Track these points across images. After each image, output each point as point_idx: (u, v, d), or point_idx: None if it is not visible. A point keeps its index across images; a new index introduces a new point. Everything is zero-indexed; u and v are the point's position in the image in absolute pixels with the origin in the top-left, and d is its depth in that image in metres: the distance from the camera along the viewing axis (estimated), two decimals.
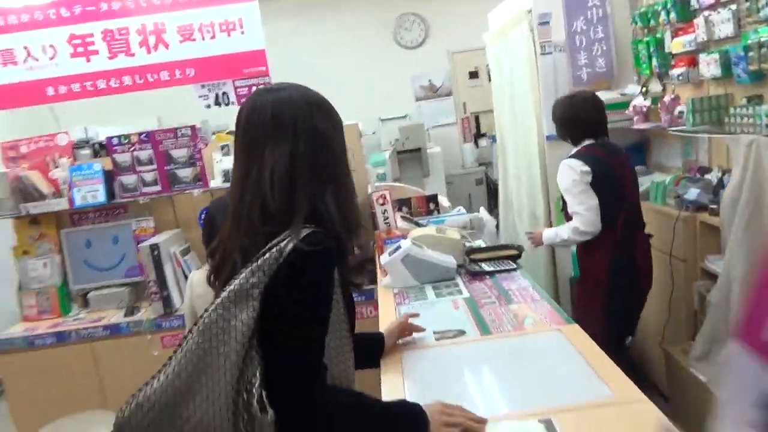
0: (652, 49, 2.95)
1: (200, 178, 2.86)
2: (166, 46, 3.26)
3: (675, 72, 2.75)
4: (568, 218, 2.49)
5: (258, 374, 0.99)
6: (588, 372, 1.23)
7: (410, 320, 1.54)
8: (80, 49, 3.25)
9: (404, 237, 2.12)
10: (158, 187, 2.85)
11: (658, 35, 2.90)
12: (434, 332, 1.56)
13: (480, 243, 2.41)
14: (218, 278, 1.15)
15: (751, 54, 2.21)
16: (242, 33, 3.28)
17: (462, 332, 1.54)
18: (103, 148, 3.12)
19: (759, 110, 2.20)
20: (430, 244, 2.08)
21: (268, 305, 0.99)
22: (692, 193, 2.48)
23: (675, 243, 2.52)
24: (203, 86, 3.33)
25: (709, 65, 2.48)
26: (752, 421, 0.48)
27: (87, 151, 3.16)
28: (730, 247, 2.07)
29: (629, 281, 2.36)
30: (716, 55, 2.41)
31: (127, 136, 2.85)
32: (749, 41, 2.21)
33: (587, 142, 2.47)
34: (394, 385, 1.31)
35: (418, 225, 2.49)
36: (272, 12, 5.74)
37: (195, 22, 3.24)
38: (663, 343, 2.69)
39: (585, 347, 1.34)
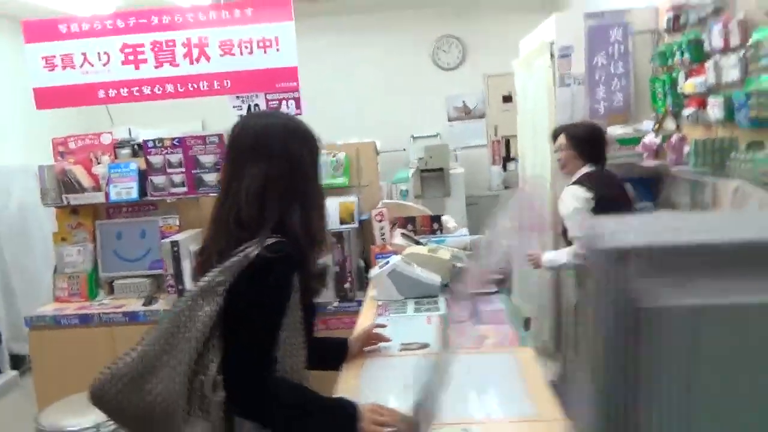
0: (667, 88, 3.00)
1: None
2: (208, 58, 3.51)
3: (686, 112, 2.79)
4: (567, 243, 2.61)
5: (215, 360, 1.15)
6: (522, 391, 1.33)
7: (378, 330, 1.67)
8: (131, 57, 3.54)
9: (396, 253, 2.25)
10: (185, 189, 3.09)
11: (674, 75, 2.95)
12: (401, 343, 1.68)
13: None
14: (201, 274, 1.32)
15: (751, 101, 2.25)
16: (277, 50, 3.49)
17: (426, 345, 1.66)
18: (141, 149, 3.39)
19: (756, 157, 2.24)
20: (419, 261, 2.20)
21: (231, 302, 1.16)
22: None
23: None
24: (238, 97, 3.57)
25: (714, 108, 2.52)
26: None
27: (127, 151, 3.44)
28: None
29: None
30: (721, 99, 2.45)
31: (161, 140, 3.10)
32: (751, 88, 2.25)
33: (586, 169, 2.64)
34: (349, 386, 1.45)
35: (417, 243, 2.62)
36: (313, 27, 6.00)
37: (235, 38, 3.48)
38: None
39: (528, 369, 1.44)
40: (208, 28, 3.48)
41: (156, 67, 3.53)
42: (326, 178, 3.18)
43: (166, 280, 2.87)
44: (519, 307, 2.69)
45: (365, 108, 6.07)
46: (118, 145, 3.47)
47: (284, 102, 3.57)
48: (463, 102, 6.16)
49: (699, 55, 2.69)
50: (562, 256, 2.56)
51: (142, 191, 3.15)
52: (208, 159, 3.07)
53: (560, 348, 3.39)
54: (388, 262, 2.12)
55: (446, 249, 2.42)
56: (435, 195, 4.88)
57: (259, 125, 1.26)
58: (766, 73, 2.20)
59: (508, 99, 6.06)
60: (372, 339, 1.64)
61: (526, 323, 2.16)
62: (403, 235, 2.60)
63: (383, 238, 2.45)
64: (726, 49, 2.48)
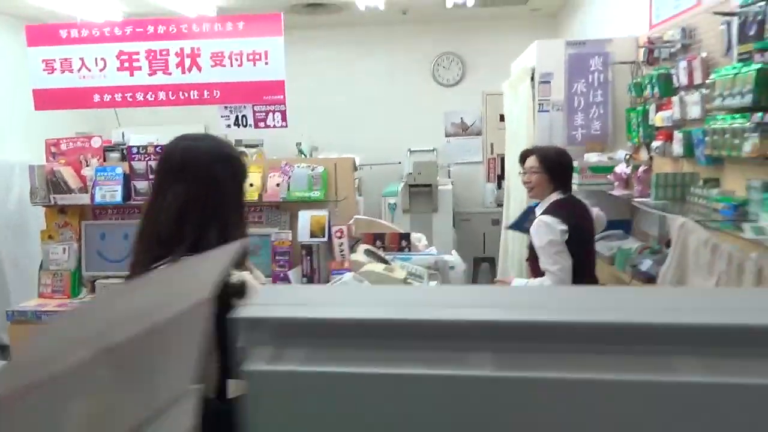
0: (640, 119, 3.04)
1: None
2: (199, 68, 3.63)
3: (655, 144, 2.83)
4: (534, 270, 2.58)
5: None
6: None
7: None
8: (126, 64, 3.67)
9: (350, 270, 2.32)
10: None
11: (647, 106, 2.99)
12: None
13: (432, 284, 2.57)
14: None
15: (707, 138, 2.29)
16: (266, 63, 3.60)
17: None
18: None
19: (710, 193, 2.28)
20: (372, 279, 2.27)
21: None
22: (645, 264, 2.56)
23: None
24: (226, 107, 3.68)
25: (677, 143, 2.57)
26: None
27: (116, 155, 3.57)
28: None
29: None
30: (681, 135, 2.50)
31: (144, 147, 3.21)
32: (707, 126, 2.29)
33: (556, 196, 2.56)
34: None
35: (382, 259, 2.68)
36: (315, 39, 6.13)
37: (226, 50, 3.59)
38: None
39: None
40: (201, 40, 3.60)
41: (149, 75, 3.66)
42: (302, 191, 3.27)
43: None
44: None
45: (364, 120, 6.16)
46: (108, 148, 3.58)
47: (270, 114, 3.68)
48: (461, 118, 6.23)
49: (668, 89, 2.74)
50: (532, 284, 2.52)
51: (128, 195, 3.26)
52: None
53: None
54: (340, 279, 2.19)
55: (403, 268, 2.48)
56: (423, 210, 4.95)
57: (186, 147, 1.34)
58: (720, 112, 2.24)
59: (504, 118, 6.12)
60: None
61: None
62: (367, 251, 2.66)
63: (342, 254, 2.52)
64: (690, 86, 2.52)
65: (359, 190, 6.16)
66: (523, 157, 2.75)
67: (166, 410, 0.38)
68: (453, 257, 2.91)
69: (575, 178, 2.99)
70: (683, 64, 2.54)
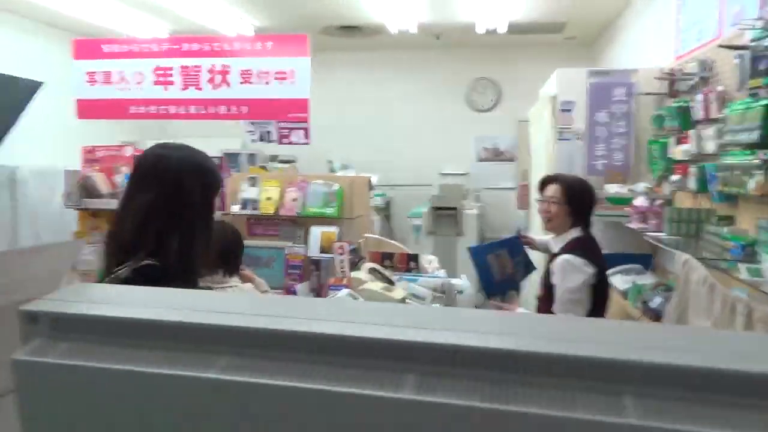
0: (661, 152, 2.97)
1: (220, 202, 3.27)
2: (228, 85, 3.77)
3: (673, 178, 2.75)
4: (545, 310, 2.31)
5: None
6: None
7: None
8: (161, 79, 3.85)
9: (348, 287, 2.34)
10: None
11: (668, 139, 2.91)
12: None
13: (434, 306, 2.55)
14: None
15: (719, 174, 2.22)
16: (292, 82, 3.70)
17: None
18: None
19: (722, 231, 2.19)
20: (369, 297, 2.28)
21: None
22: (655, 300, 2.47)
23: None
24: (252, 123, 3.80)
25: (692, 178, 2.49)
26: None
27: None
28: None
29: None
30: (695, 170, 2.42)
31: None
32: (720, 161, 2.22)
33: (576, 233, 2.28)
34: None
35: (385, 279, 2.69)
36: (351, 61, 6.27)
37: (255, 68, 3.72)
38: None
39: None
40: (232, 57, 3.75)
41: (182, 89, 3.82)
42: (317, 207, 3.33)
43: None
44: None
45: (397, 141, 6.23)
46: None
47: (294, 131, 3.77)
48: (494, 144, 6.20)
49: (687, 122, 2.67)
50: None
51: None
52: None
53: None
54: (335, 295, 2.21)
55: (404, 289, 2.48)
56: (447, 233, 4.92)
57: (158, 155, 1.36)
58: (735, 147, 2.17)
59: None
60: None
61: None
62: (371, 270, 2.67)
63: (342, 271, 2.55)
64: (707, 120, 2.45)
65: (387, 210, 6.21)
66: (544, 184, 2.41)
67: None
68: (461, 281, 2.88)
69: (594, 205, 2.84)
70: (700, 97, 2.47)
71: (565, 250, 2.23)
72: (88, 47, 3.92)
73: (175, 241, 1.30)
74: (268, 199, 3.38)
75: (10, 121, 4.80)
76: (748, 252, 1.96)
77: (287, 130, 3.77)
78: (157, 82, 3.85)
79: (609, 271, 2.93)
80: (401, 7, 4.69)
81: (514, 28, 4.98)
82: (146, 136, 6.18)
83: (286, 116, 3.73)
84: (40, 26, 5.17)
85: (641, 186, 3.12)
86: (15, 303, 0.48)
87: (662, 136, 3.04)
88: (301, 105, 3.71)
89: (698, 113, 2.50)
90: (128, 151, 3.72)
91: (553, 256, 2.35)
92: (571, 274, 2.13)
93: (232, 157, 5.83)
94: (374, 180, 3.34)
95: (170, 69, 3.82)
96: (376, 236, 3.07)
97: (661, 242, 2.53)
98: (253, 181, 3.48)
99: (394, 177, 6.24)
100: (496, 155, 6.22)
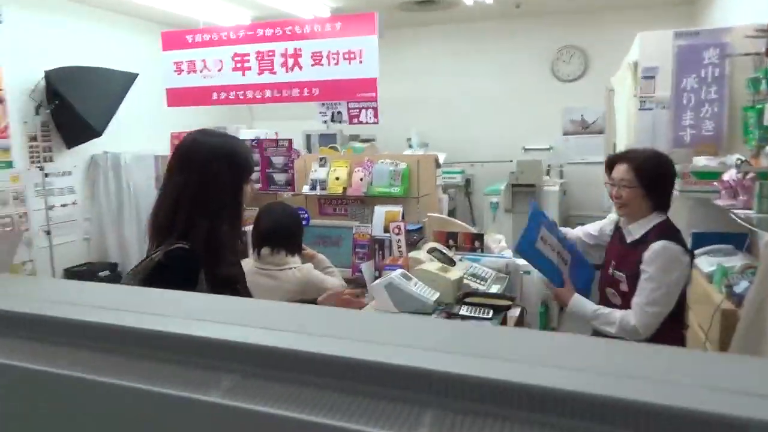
0: (757, 119, 2.66)
1: (290, 183, 3.38)
2: (300, 68, 3.86)
3: None
4: (611, 286, 2.10)
5: None
6: None
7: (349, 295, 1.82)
8: (239, 65, 4.02)
9: (401, 266, 2.34)
10: (259, 185, 3.45)
11: (764, 105, 2.60)
12: None
13: (497, 288, 2.48)
14: None
15: None
16: (360, 62, 3.72)
17: None
18: None
19: None
20: (423, 278, 2.27)
21: None
22: (741, 285, 2.25)
23: (710, 333, 2.30)
24: (323, 104, 3.87)
25: None
26: None
27: None
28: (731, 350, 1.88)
29: None
30: None
31: (253, 141, 3.49)
32: None
33: (657, 218, 2.03)
34: None
35: (447, 259, 2.66)
36: (429, 35, 6.15)
37: (324, 50, 3.77)
38: None
39: None
40: (303, 41, 3.82)
41: (258, 74, 3.97)
42: (383, 187, 3.34)
43: None
44: None
45: (478, 117, 6.07)
46: None
47: (363, 111, 3.79)
48: (582, 116, 5.86)
49: None
50: (604, 318, 1.99)
51: None
52: (278, 160, 3.40)
53: None
54: (389, 274, 2.22)
55: (461, 270, 2.44)
56: (525, 210, 4.74)
57: (192, 141, 1.42)
58: None
59: None
60: (342, 303, 1.78)
61: None
62: (431, 249, 2.65)
63: (400, 250, 2.54)
64: None
65: (468, 187, 6.10)
66: (612, 164, 2.13)
67: None
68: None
69: (675, 183, 2.59)
70: None
71: (654, 236, 1.96)
72: (174, 39, 4.16)
73: (203, 225, 1.35)
74: (337, 179, 3.45)
75: (112, 109, 5.24)
76: None
77: (357, 110, 3.80)
78: (235, 69, 4.02)
79: (696, 252, 2.70)
80: None
81: None
82: (236, 120, 6.50)
83: (355, 96, 3.76)
84: (132, 20, 5.54)
85: (733, 158, 2.83)
86: None
87: (759, 101, 2.73)
88: (370, 84, 3.72)
89: None
90: None
91: (616, 246, 2.14)
92: (671, 263, 1.89)
93: (315, 138, 5.99)
94: (442, 158, 3.28)
95: (247, 55, 3.98)
96: (441, 215, 3.03)
97: (748, 221, 2.28)
98: (323, 162, 3.55)
99: (475, 153, 6.11)
100: (584, 127, 5.88)
